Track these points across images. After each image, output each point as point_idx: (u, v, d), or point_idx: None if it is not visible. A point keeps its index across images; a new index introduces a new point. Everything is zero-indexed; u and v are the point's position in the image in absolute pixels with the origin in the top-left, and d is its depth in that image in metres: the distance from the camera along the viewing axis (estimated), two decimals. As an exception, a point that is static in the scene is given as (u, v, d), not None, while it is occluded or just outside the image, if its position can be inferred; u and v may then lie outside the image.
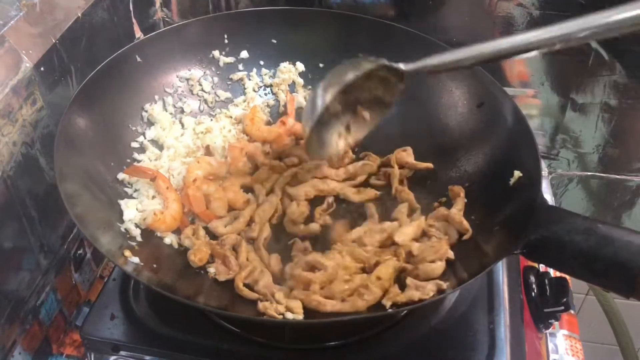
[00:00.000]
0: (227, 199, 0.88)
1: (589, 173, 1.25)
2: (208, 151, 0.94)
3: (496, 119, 0.89)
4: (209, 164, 0.90)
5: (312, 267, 0.78)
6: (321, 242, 0.85)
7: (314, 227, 0.85)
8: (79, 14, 0.92)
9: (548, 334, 0.97)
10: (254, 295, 0.75)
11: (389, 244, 0.82)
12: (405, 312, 0.80)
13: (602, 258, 0.65)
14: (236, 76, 1.04)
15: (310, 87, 1.05)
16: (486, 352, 0.77)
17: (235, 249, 0.82)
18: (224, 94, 1.03)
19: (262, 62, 1.05)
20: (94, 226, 0.75)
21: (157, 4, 1.17)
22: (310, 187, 0.89)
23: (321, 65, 1.05)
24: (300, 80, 1.05)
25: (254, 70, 1.05)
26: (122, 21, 1.06)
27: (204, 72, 1.03)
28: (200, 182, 0.87)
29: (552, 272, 0.95)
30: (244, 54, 1.04)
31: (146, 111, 0.95)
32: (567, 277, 0.93)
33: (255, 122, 0.98)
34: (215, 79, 1.03)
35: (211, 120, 1.00)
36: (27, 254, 0.85)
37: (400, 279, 0.76)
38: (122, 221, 0.81)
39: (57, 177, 0.73)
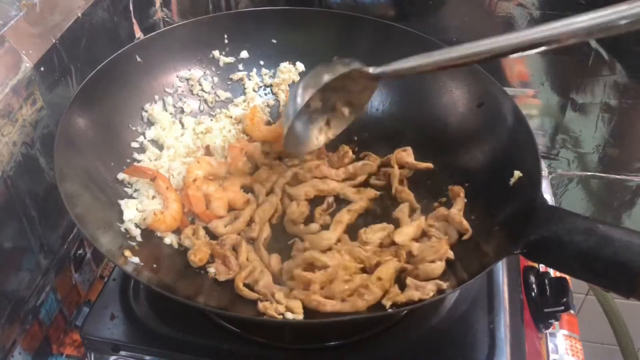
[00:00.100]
0: (227, 199, 0.88)
1: (589, 173, 1.25)
2: (208, 151, 0.94)
3: (496, 119, 0.89)
4: (209, 164, 0.90)
5: (312, 267, 0.78)
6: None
7: (314, 227, 0.85)
8: (79, 14, 0.92)
9: (548, 334, 0.97)
10: (254, 295, 0.75)
11: (388, 243, 0.82)
12: (405, 312, 0.80)
13: (602, 258, 0.65)
14: (236, 76, 1.04)
15: (310, 87, 1.05)
16: (486, 352, 0.77)
17: (235, 249, 0.82)
18: (224, 94, 1.03)
19: (262, 62, 1.05)
20: (94, 226, 0.75)
21: (157, 4, 1.17)
22: (310, 187, 0.89)
23: (321, 65, 1.05)
24: (300, 81, 1.05)
25: (254, 70, 1.05)
26: (122, 21, 1.06)
27: (204, 72, 1.03)
28: (200, 182, 0.87)
29: (552, 272, 0.95)
30: (244, 54, 1.04)
31: (146, 111, 0.95)
32: (567, 277, 0.93)
33: (255, 122, 0.98)
34: (215, 79, 1.03)
35: (211, 120, 1.00)
36: (27, 254, 0.85)
37: (400, 279, 0.76)
38: (122, 221, 0.81)
39: (57, 177, 0.73)
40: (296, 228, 0.85)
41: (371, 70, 0.79)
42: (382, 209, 0.90)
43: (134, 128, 0.93)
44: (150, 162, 0.91)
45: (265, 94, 1.05)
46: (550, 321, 0.93)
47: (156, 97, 0.97)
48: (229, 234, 0.83)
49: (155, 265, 0.77)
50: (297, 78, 1.05)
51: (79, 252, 0.98)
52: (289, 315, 0.72)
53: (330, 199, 0.89)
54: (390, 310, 0.72)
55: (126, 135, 0.92)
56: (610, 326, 1.30)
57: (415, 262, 0.78)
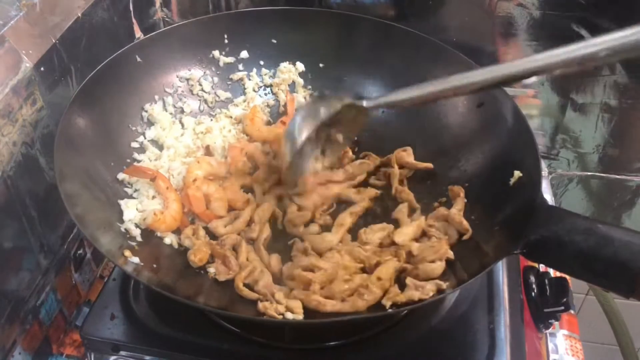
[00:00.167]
0: (227, 199, 0.88)
1: (589, 173, 1.25)
2: (208, 151, 0.94)
3: (496, 119, 0.89)
4: (209, 164, 0.90)
5: (312, 267, 0.78)
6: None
7: (314, 228, 0.85)
8: (79, 14, 0.92)
9: (548, 334, 0.97)
10: (254, 295, 0.75)
11: (388, 243, 0.82)
12: (405, 312, 0.80)
13: (602, 258, 0.65)
14: (236, 76, 1.04)
15: (310, 87, 1.05)
16: (486, 352, 0.77)
17: (235, 249, 0.82)
18: (224, 94, 1.03)
19: (262, 62, 1.05)
20: (94, 226, 0.75)
21: (157, 4, 1.17)
22: (318, 197, 0.89)
23: (321, 65, 1.05)
24: (300, 80, 1.05)
25: (254, 70, 1.05)
26: (122, 21, 1.06)
27: (204, 72, 1.02)
28: (200, 182, 0.87)
29: (552, 272, 0.95)
30: (244, 54, 1.04)
31: (146, 111, 0.95)
32: (567, 277, 0.93)
33: (255, 122, 0.98)
34: (215, 79, 1.03)
35: (211, 120, 1.00)
36: (27, 254, 0.85)
37: (400, 279, 0.76)
38: (122, 221, 0.81)
39: (57, 177, 0.73)
40: (296, 229, 0.85)
41: (365, 104, 0.82)
42: (382, 209, 0.90)
43: (134, 128, 0.93)
44: (150, 162, 0.91)
45: (265, 94, 1.05)
46: (550, 321, 0.93)
47: (156, 97, 0.97)
48: (229, 234, 0.83)
49: (155, 265, 0.77)
50: (297, 78, 1.05)
51: (79, 252, 0.98)
52: (289, 315, 0.72)
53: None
54: (390, 310, 0.72)
55: (126, 135, 0.92)
56: (610, 326, 1.30)
57: (415, 262, 0.78)
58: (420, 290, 0.72)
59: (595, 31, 1.06)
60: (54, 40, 0.86)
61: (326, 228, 0.86)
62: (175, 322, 0.80)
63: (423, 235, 0.83)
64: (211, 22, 1.02)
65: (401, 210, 0.87)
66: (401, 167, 0.93)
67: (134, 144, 0.92)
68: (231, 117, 1.01)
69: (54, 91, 0.87)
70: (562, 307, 0.91)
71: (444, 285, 0.72)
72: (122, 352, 0.79)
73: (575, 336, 0.98)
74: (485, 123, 0.91)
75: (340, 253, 0.79)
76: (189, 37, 1.00)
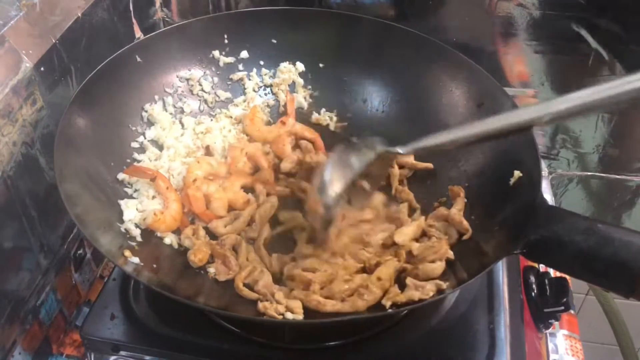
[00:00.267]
0: (227, 199, 0.88)
1: (589, 173, 1.25)
2: (208, 151, 0.94)
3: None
4: (209, 164, 0.90)
5: (313, 268, 0.78)
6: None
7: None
8: (79, 14, 0.92)
9: (548, 334, 0.97)
10: (254, 295, 0.75)
11: (390, 244, 0.82)
12: (405, 312, 0.80)
13: (602, 258, 0.65)
14: (236, 76, 1.04)
15: (310, 87, 1.05)
16: (486, 352, 0.77)
17: (235, 249, 0.82)
18: (224, 94, 1.03)
19: (262, 62, 1.05)
20: (94, 226, 0.75)
21: (157, 4, 1.17)
22: (349, 239, 0.84)
23: (321, 65, 1.05)
24: (300, 80, 1.05)
25: (254, 70, 1.05)
26: (122, 21, 1.06)
27: (204, 72, 1.02)
28: (200, 182, 0.87)
29: (552, 272, 0.95)
30: (244, 54, 1.04)
31: (146, 111, 0.95)
32: (567, 277, 0.93)
33: (255, 122, 0.98)
34: (215, 79, 1.03)
35: (211, 120, 1.00)
36: (27, 254, 0.85)
37: (400, 279, 0.76)
38: (122, 221, 0.81)
39: (57, 177, 0.73)
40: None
41: (401, 150, 0.78)
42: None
43: (134, 128, 0.93)
44: (150, 162, 0.91)
45: (265, 94, 1.05)
46: (550, 321, 0.93)
47: (156, 97, 0.97)
48: (229, 234, 0.83)
49: (155, 265, 0.77)
50: (297, 78, 1.05)
51: (79, 252, 0.98)
52: (289, 315, 0.72)
53: None
54: (390, 310, 0.72)
55: (126, 135, 0.92)
56: (610, 326, 1.30)
57: (416, 262, 0.78)
58: (420, 290, 0.72)
59: (595, 31, 1.06)
60: (54, 40, 0.86)
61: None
62: (175, 322, 0.79)
63: (423, 235, 0.83)
64: (211, 22, 1.02)
65: (401, 210, 0.87)
66: (401, 167, 0.93)
67: (134, 144, 0.92)
68: (231, 117, 1.01)
69: (54, 91, 0.87)
70: (562, 307, 0.91)
71: (444, 285, 0.72)
72: (122, 352, 0.79)
73: (575, 336, 0.98)
74: (486, 123, 0.91)
75: (343, 254, 0.78)
76: (189, 37, 1.00)
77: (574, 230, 0.68)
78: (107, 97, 0.89)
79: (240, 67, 1.04)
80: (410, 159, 0.93)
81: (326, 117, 1.03)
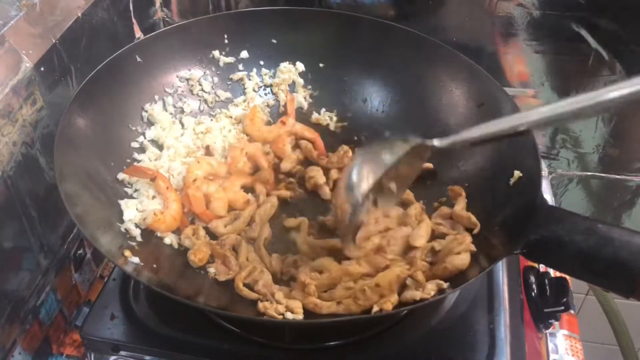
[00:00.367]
0: (227, 199, 0.88)
1: (589, 173, 1.25)
2: (208, 151, 0.94)
3: (496, 119, 0.89)
4: (209, 164, 0.90)
5: (321, 269, 0.78)
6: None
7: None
8: (79, 14, 0.92)
9: (548, 334, 0.97)
10: (254, 295, 0.75)
11: (407, 249, 0.80)
12: (405, 312, 0.80)
13: (602, 258, 0.65)
14: (236, 76, 1.04)
15: (310, 87, 1.05)
16: (486, 352, 0.77)
17: (235, 249, 0.82)
18: (224, 94, 1.03)
19: (262, 62, 1.05)
20: (94, 226, 0.75)
21: (157, 4, 1.17)
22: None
23: (321, 65, 1.05)
24: (300, 80, 1.05)
25: (254, 70, 1.05)
26: (122, 21, 1.06)
27: (204, 72, 1.02)
28: (200, 182, 0.87)
29: (552, 272, 0.95)
30: (244, 54, 1.04)
31: (146, 111, 0.95)
32: (567, 277, 0.93)
33: (255, 122, 0.98)
34: (215, 79, 1.03)
35: (211, 120, 1.00)
36: (27, 254, 0.85)
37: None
38: (122, 221, 0.81)
39: (57, 177, 0.73)
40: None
41: (436, 143, 0.74)
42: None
43: (134, 128, 0.93)
44: (150, 162, 0.91)
45: (265, 94, 1.05)
46: (550, 321, 0.93)
47: (156, 97, 0.97)
48: (229, 234, 0.83)
49: (155, 265, 0.77)
50: (297, 78, 1.05)
51: (79, 252, 0.98)
52: (289, 315, 0.72)
53: None
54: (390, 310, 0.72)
55: (126, 135, 0.92)
56: (610, 326, 1.30)
57: (442, 257, 0.76)
58: (421, 290, 0.72)
59: (595, 31, 1.06)
60: (54, 40, 0.86)
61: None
62: (175, 322, 0.79)
63: (435, 236, 0.82)
64: (211, 22, 1.02)
65: (409, 214, 0.84)
66: (401, 167, 0.93)
67: (134, 144, 0.92)
68: (231, 117, 1.01)
69: (54, 91, 0.87)
70: (562, 307, 0.91)
71: (444, 285, 0.72)
72: (122, 352, 0.79)
73: (575, 336, 0.98)
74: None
75: (360, 262, 0.77)
76: (189, 37, 1.00)
77: (574, 230, 0.68)
78: (107, 97, 0.89)
79: (240, 67, 1.04)
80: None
81: (326, 117, 1.03)
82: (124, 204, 0.83)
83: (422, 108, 0.98)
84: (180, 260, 0.81)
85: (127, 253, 0.76)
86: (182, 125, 0.97)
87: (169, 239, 0.83)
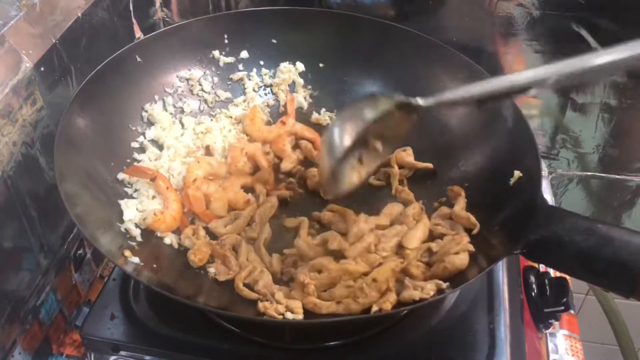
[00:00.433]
0: (227, 199, 0.88)
1: (589, 173, 1.25)
2: (208, 151, 0.94)
3: (496, 119, 0.89)
4: (209, 164, 0.90)
5: (321, 268, 0.78)
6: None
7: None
8: (79, 14, 0.92)
9: (548, 334, 0.97)
10: (254, 295, 0.75)
11: (400, 247, 0.81)
12: (405, 312, 0.80)
13: (602, 258, 0.65)
14: (236, 76, 1.04)
15: (310, 87, 1.05)
16: (486, 352, 0.77)
17: (235, 249, 0.82)
18: (224, 94, 1.03)
19: (262, 62, 1.05)
20: (94, 226, 0.75)
21: (157, 4, 1.17)
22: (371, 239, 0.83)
23: (321, 65, 1.05)
24: (300, 80, 1.05)
25: (254, 70, 1.05)
26: (122, 21, 1.06)
27: (204, 72, 1.03)
28: (200, 182, 0.87)
29: (552, 272, 0.95)
30: (244, 54, 1.04)
31: (146, 111, 0.95)
32: (567, 277, 0.93)
33: (255, 122, 0.98)
34: (215, 79, 1.03)
35: (211, 120, 1.00)
36: (27, 254, 0.85)
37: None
38: (122, 221, 0.81)
39: (57, 177, 0.73)
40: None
41: (421, 102, 0.73)
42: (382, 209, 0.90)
43: (134, 128, 0.93)
44: (150, 162, 0.91)
45: (265, 94, 1.05)
46: (550, 321, 0.93)
47: (156, 97, 0.97)
48: (229, 234, 0.83)
49: (155, 265, 0.77)
50: (297, 78, 1.05)
51: (79, 252, 0.98)
52: (289, 315, 0.72)
53: None
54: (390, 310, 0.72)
55: (126, 135, 0.92)
56: (610, 326, 1.30)
57: (440, 257, 0.76)
58: (420, 290, 0.72)
59: (595, 31, 1.06)
60: (54, 40, 0.86)
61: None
62: (175, 322, 0.80)
63: (434, 237, 0.82)
64: (211, 22, 1.03)
65: (407, 214, 0.85)
66: (401, 167, 0.93)
67: (134, 144, 0.92)
68: (231, 117, 1.01)
69: (54, 91, 0.87)
70: (562, 307, 0.91)
71: (444, 285, 0.72)
72: (122, 352, 0.79)
73: (575, 336, 0.98)
74: (485, 123, 0.91)
75: (356, 260, 0.77)
76: (189, 37, 1.00)
77: (574, 230, 0.68)
78: (107, 97, 0.89)
79: (240, 67, 1.05)
80: (410, 159, 0.93)
81: (326, 117, 1.03)
82: (124, 204, 0.83)
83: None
84: (180, 260, 0.81)
85: (127, 253, 0.76)
86: (182, 125, 0.98)
87: (169, 239, 0.83)
